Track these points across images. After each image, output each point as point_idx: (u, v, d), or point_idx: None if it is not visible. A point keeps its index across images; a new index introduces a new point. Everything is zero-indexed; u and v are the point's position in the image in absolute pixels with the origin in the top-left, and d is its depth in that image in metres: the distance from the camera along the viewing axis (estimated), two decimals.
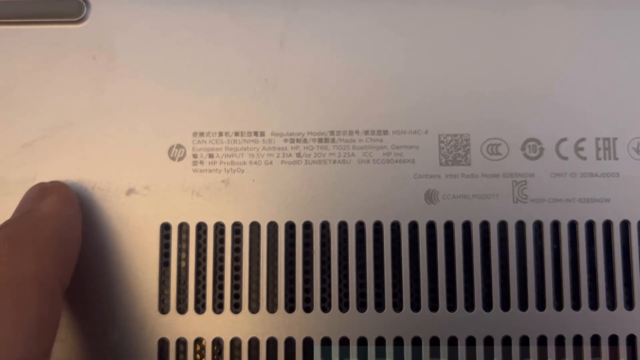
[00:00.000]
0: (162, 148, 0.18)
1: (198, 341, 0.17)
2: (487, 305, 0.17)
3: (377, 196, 0.18)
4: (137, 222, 0.18)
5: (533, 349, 0.17)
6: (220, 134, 0.18)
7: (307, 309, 0.17)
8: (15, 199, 0.18)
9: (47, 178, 0.18)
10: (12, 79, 0.18)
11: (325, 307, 0.17)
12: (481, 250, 0.17)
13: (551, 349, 0.17)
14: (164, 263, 0.18)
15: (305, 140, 0.18)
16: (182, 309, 0.17)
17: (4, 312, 0.14)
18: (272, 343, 0.17)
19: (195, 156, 0.18)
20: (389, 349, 0.17)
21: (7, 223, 0.16)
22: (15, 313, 0.14)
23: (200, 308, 0.17)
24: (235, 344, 0.17)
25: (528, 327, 0.17)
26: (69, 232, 0.17)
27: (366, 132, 0.18)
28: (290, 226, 0.18)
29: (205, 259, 0.18)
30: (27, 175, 0.18)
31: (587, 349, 0.17)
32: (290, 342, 0.17)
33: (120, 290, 0.17)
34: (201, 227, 0.18)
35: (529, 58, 0.18)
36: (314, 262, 0.17)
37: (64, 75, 0.18)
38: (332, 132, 0.18)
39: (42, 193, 0.17)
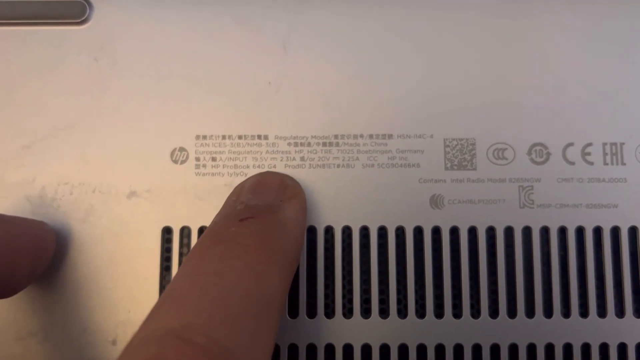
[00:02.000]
0: (165, 151, 0.18)
1: None
2: (494, 312, 0.17)
3: (381, 201, 0.17)
4: (138, 225, 0.17)
5: (540, 357, 0.17)
6: (224, 137, 0.18)
7: (311, 314, 0.17)
8: (14, 201, 0.17)
9: (46, 181, 0.18)
10: (13, 80, 0.18)
11: (329, 313, 0.17)
12: (487, 256, 0.17)
13: (559, 357, 0.17)
14: (165, 268, 0.17)
15: (309, 144, 0.18)
16: None
17: (255, 338, 0.12)
18: (275, 350, 0.17)
19: (197, 159, 0.18)
20: (394, 356, 0.17)
21: (250, 210, 0.14)
22: (264, 340, 0.12)
23: None
24: None
25: (535, 335, 0.17)
26: (301, 247, 0.16)
27: (371, 136, 0.18)
28: None
29: None
30: (26, 177, 0.18)
31: (595, 357, 0.17)
32: (293, 349, 0.17)
33: (121, 294, 0.17)
34: (203, 232, 0.17)
35: (535, 62, 0.18)
36: (317, 268, 0.17)
37: (65, 76, 0.18)
38: (336, 136, 0.18)
39: (285, 190, 0.16)
